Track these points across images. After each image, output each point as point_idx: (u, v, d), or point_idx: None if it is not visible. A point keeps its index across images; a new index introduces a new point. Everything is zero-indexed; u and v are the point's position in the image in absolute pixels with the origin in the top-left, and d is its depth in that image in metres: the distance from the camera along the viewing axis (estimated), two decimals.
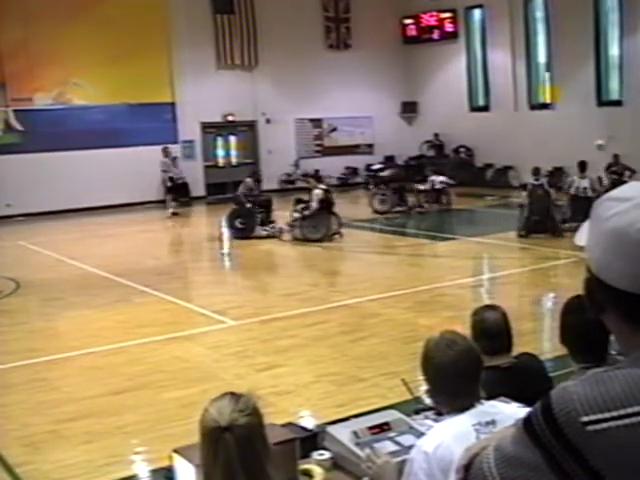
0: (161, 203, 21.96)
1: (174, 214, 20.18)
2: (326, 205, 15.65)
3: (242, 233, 15.97)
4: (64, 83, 21.75)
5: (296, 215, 15.73)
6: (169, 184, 20.99)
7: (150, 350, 8.71)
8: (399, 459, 3.33)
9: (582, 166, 15.50)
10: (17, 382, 7.81)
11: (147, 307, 10.84)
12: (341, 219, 15.88)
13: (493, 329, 4.02)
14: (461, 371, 2.98)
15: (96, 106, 21.88)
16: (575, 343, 3.54)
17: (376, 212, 18.82)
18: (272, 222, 16.30)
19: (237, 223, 16.18)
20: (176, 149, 23.07)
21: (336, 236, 15.55)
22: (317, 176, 18.33)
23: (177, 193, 22.66)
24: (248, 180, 17.26)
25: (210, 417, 2.32)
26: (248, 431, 2.31)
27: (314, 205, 15.54)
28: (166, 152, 21.09)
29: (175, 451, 3.26)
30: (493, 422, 2.85)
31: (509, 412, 2.85)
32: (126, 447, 6.08)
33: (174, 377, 7.69)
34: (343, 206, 21.95)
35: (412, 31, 26.25)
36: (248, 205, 16.31)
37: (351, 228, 17.29)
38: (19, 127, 21.26)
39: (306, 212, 15.51)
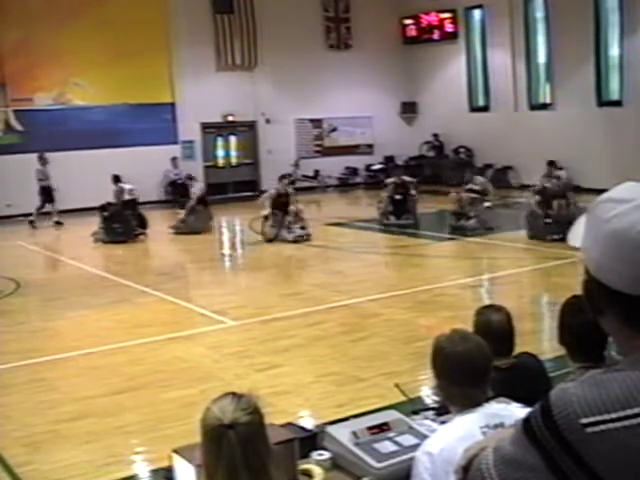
0: (162, 203, 21.99)
1: (58, 223, 19.15)
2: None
3: (120, 237, 16.22)
4: (64, 83, 21.77)
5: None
6: (42, 194, 19.37)
7: (150, 350, 8.72)
8: (399, 459, 3.34)
9: None
10: (17, 382, 7.81)
11: (147, 307, 10.85)
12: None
13: (498, 332, 3.97)
14: (475, 364, 2.98)
15: (96, 106, 21.90)
16: (574, 343, 3.55)
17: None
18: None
19: (115, 227, 16.47)
20: (176, 149, 23.12)
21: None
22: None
23: (177, 193, 22.68)
24: (123, 185, 17.53)
25: (213, 415, 2.33)
26: (251, 429, 2.32)
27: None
28: (42, 159, 19.61)
29: (175, 451, 3.26)
30: (502, 425, 2.82)
31: (518, 414, 2.83)
32: (126, 447, 6.08)
33: (174, 377, 7.69)
34: (342, 206, 22.06)
35: (412, 31, 26.27)
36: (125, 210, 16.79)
37: (351, 228, 17.32)
38: (19, 127, 21.28)
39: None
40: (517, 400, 3.06)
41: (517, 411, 2.88)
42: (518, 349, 4.25)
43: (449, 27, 25.03)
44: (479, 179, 17.10)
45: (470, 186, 16.58)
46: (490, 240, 14.82)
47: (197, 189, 18.41)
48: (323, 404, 6.75)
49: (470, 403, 2.95)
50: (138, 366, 8.11)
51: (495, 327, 3.99)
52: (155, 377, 7.73)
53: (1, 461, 5.87)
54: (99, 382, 7.68)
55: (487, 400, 2.98)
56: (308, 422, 5.97)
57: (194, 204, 17.48)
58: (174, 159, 22.80)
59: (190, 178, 20.85)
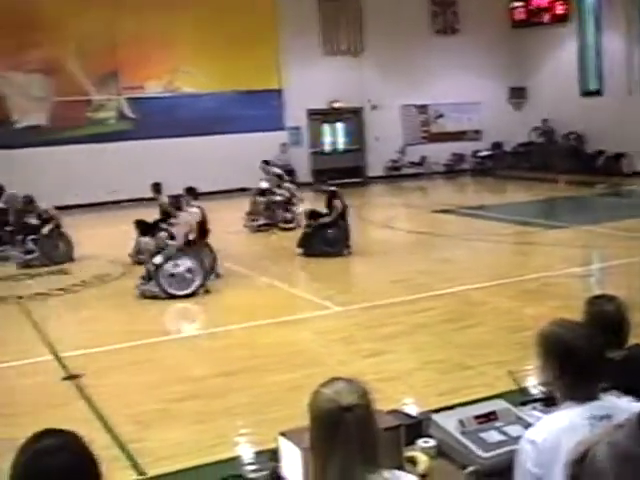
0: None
1: None
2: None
3: None
4: (174, 71, 22.28)
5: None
6: None
7: (258, 334, 8.85)
8: (505, 449, 3.29)
9: None
10: (135, 360, 8.07)
11: (256, 292, 11.02)
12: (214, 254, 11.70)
13: (612, 322, 3.81)
14: (586, 356, 2.88)
15: (205, 94, 22.32)
16: None
17: None
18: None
19: None
20: (283, 135, 23.31)
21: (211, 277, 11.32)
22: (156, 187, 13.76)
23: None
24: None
25: (327, 398, 2.31)
26: (366, 412, 2.31)
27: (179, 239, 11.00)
28: None
29: (282, 434, 3.30)
30: (608, 417, 2.74)
31: (626, 407, 2.75)
32: (232, 428, 6.19)
33: (281, 361, 7.79)
34: (449, 193, 21.87)
35: (521, 14, 25.75)
36: None
37: (459, 215, 17.17)
38: (131, 115, 21.89)
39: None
40: (630, 393, 2.98)
41: (627, 405, 2.81)
42: (630, 340, 4.12)
43: (560, 9, 24.43)
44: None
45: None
46: (600, 229, 14.43)
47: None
48: (427, 391, 6.73)
49: (581, 396, 2.87)
50: (246, 350, 8.25)
51: (609, 317, 3.84)
52: (261, 360, 7.84)
53: (114, 437, 6.07)
54: (208, 364, 7.85)
55: (599, 391, 2.90)
56: (412, 409, 5.95)
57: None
58: (284, 145, 22.87)
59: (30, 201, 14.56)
